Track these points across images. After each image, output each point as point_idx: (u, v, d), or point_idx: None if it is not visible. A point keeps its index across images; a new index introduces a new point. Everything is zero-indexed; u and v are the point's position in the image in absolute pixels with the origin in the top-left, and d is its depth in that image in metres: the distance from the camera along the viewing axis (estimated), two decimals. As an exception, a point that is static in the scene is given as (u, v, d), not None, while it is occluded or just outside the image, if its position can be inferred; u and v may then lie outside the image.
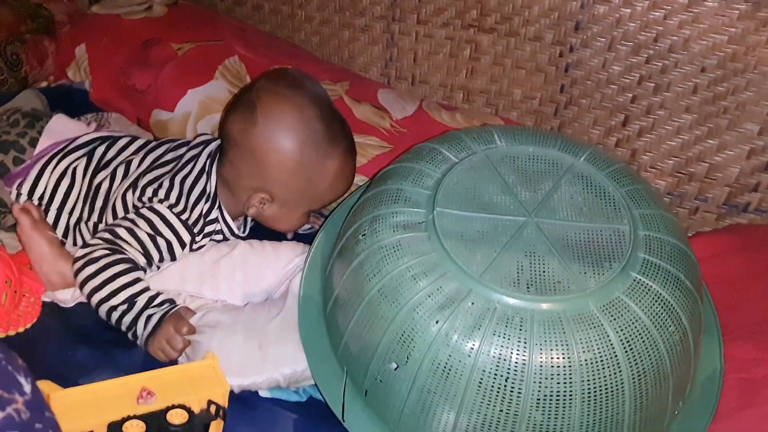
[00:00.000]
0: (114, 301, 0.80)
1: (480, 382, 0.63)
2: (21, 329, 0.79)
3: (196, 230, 0.89)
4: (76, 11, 1.34)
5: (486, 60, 1.23)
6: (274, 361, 0.77)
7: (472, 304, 0.64)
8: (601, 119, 1.18)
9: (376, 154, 1.10)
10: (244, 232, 0.96)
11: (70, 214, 0.93)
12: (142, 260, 0.85)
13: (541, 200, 0.73)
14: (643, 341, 0.63)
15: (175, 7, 1.33)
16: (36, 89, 1.17)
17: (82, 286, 0.82)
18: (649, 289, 0.65)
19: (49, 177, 0.93)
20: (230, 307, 0.84)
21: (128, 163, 0.93)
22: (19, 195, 0.93)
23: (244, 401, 0.78)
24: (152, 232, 0.85)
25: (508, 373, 0.62)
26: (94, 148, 0.95)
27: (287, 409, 0.79)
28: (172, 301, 0.82)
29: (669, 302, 0.65)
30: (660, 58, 1.10)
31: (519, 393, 0.62)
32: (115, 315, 0.80)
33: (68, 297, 0.85)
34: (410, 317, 0.66)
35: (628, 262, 0.67)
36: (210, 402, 0.69)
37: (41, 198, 0.93)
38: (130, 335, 0.81)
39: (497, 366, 0.62)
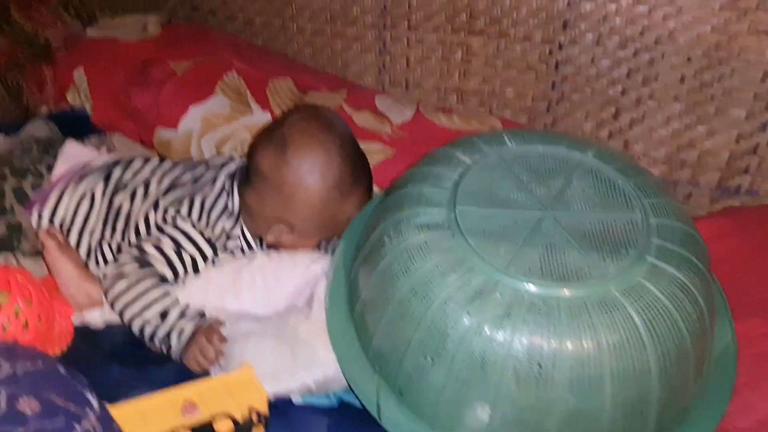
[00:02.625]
0: (147, 315, 0.82)
1: (514, 370, 0.66)
2: (58, 351, 0.81)
3: (218, 245, 0.91)
4: (71, 36, 1.35)
5: (478, 61, 1.27)
6: (306, 365, 0.80)
7: (500, 295, 0.67)
8: (593, 113, 1.22)
9: (379, 159, 1.13)
10: (262, 248, 0.98)
11: (91, 235, 0.95)
12: (169, 275, 0.87)
13: (555, 195, 0.77)
14: (665, 321, 0.66)
15: (169, 26, 1.35)
16: (44, 117, 1.18)
17: (114, 301, 0.84)
18: (665, 272, 0.69)
19: (69, 201, 0.95)
20: (258, 316, 0.86)
21: (147, 185, 0.95)
22: (40, 219, 0.94)
23: (278, 409, 0.79)
24: (177, 248, 0.88)
25: (540, 359, 0.65)
26: (111, 171, 0.97)
27: (320, 414, 0.81)
28: (203, 314, 0.84)
29: (685, 283, 0.69)
30: (647, 50, 1.14)
31: (552, 377, 0.65)
32: (148, 329, 0.82)
33: (98, 318, 0.87)
34: (442, 311, 0.68)
35: (644, 248, 0.70)
36: (251, 409, 0.71)
37: (62, 221, 0.94)
38: (163, 349, 0.83)
39: (529, 353, 0.65)
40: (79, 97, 1.28)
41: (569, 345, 0.65)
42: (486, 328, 0.66)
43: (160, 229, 0.90)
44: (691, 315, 0.68)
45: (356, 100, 1.21)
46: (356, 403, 0.83)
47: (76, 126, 1.22)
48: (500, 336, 0.66)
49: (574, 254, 0.70)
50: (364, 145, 1.13)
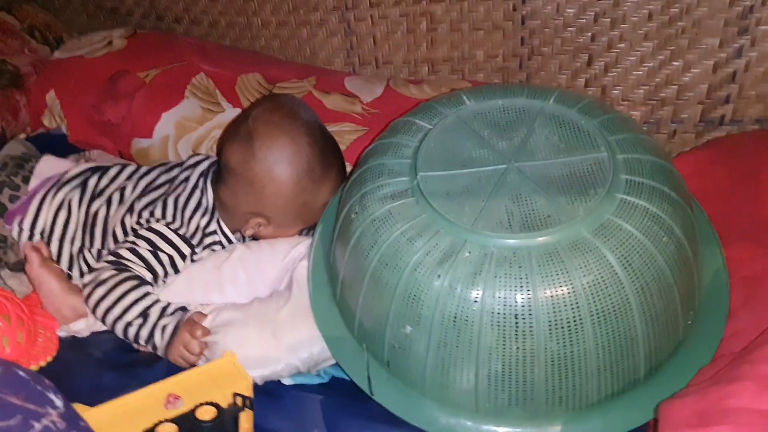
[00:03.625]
0: (128, 317, 0.83)
1: (491, 325, 0.65)
2: (42, 363, 0.82)
3: (194, 242, 0.91)
4: (39, 61, 1.36)
5: (443, 28, 1.25)
6: (290, 348, 0.80)
7: (469, 253, 0.66)
8: (566, 63, 1.20)
9: (353, 138, 1.12)
10: (243, 241, 0.98)
11: (72, 243, 0.96)
12: (148, 276, 0.87)
13: (518, 146, 0.75)
14: (640, 256, 0.65)
15: (134, 37, 1.35)
16: (21, 139, 1.19)
17: (95, 308, 0.85)
18: (636, 206, 0.67)
19: (48, 210, 0.96)
20: (239, 305, 0.86)
21: (122, 190, 0.96)
22: (21, 231, 0.96)
23: (269, 392, 0.80)
24: (153, 249, 0.88)
25: (516, 310, 0.64)
26: (87, 179, 0.98)
27: (312, 392, 0.82)
28: (184, 309, 0.85)
29: (658, 215, 0.68)
30: (610, -8, 1.12)
31: (531, 328, 0.64)
32: (131, 330, 0.83)
33: (83, 327, 0.88)
34: (413, 278, 0.68)
35: (612, 186, 0.69)
36: (236, 395, 0.71)
37: (42, 231, 0.96)
38: (149, 348, 0.84)
39: (504, 306, 0.64)
40: (54, 119, 1.29)
41: (544, 292, 0.64)
42: (458, 289, 0.66)
43: (135, 232, 0.90)
44: (667, 246, 0.67)
45: (325, 85, 1.21)
46: (348, 378, 0.83)
47: (55, 147, 1.22)
48: (473, 294, 0.65)
49: (542, 202, 0.69)
50: (335, 127, 1.13)
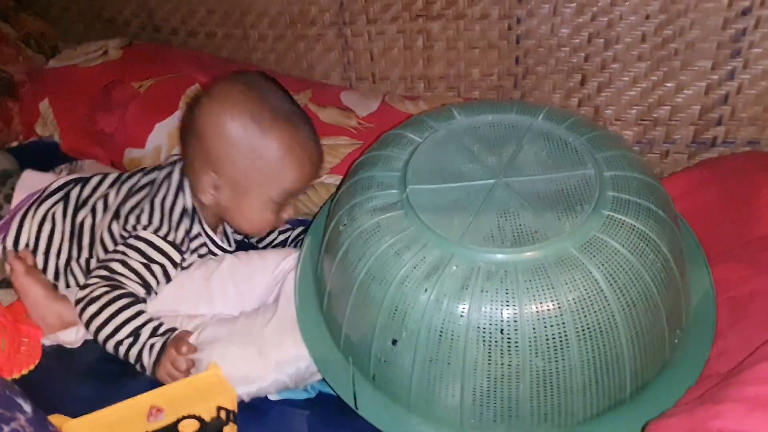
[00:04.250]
0: (119, 336, 0.82)
1: (477, 340, 0.64)
2: (25, 371, 0.82)
3: (183, 248, 0.90)
4: (33, 69, 1.36)
5: (440, 46, 1.26)
6: (277, 364, 0.79)
7: (456, 267, 0.66)
8: (560, 83, 1.21)
9: (347, 152, 1.12)
10: (230, 246, 0.98)
11: (58, 256, 0.94)
12: (141, 291, 0.86)
13: (506, 162, 0.75)
14: (626, 273, 0.65)
15: (130, 48, 1.36)
16: (4, 151, 1.18)
17: (87, 324, 0.83)
18: (623, 224, 0.67)
19: (30, 225, 0.95)
20: (225, 320, 0.85)
21: (106, 197, 0.95)
22: (4, 249, 0.94)
23: (255, 408, 0.79)
24: (145, 261, 0.87)
25: (501, 325, 0.64)
26: (69, 191, 0.97)
27: (298, 407, 0.81)
28: (174, 329, 0.84)
29: (644, 232, 0.67)
30: (604, 13, 1.12)
31: (516, 343, 0.64)
32: (122, 349, 0.82)
33: (73, 337, 0.87)
34: (400, 291, 0.68)
35: (598, 202, 0.69)
36: (219, 408, 0.70)
37: (27, 246, 0.94)
38: (138, 367, 0.82)
39: (490, 321, 0.64)
40: (47, 128, 1.29)
41: (530, 308, 0.64)
42: (445, 303, 0.66)
43: (124, 240, 0.89)
44: (654, 264, 0.67)
45: (321, 98, 1.21)
46: (334, 393, 0.82)
47: (47, 156, 1.23)
48: (459, 308, 0.65)
49: (529, 217, 0.69)
50: (330, 140, 1.13)
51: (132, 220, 0.89)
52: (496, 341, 0.64)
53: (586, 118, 0.80)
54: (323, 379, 0.82)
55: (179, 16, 1.44)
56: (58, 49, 1.45)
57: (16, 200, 0.97)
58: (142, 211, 0.90)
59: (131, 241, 0.88)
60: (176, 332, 0.83)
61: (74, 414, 0.71)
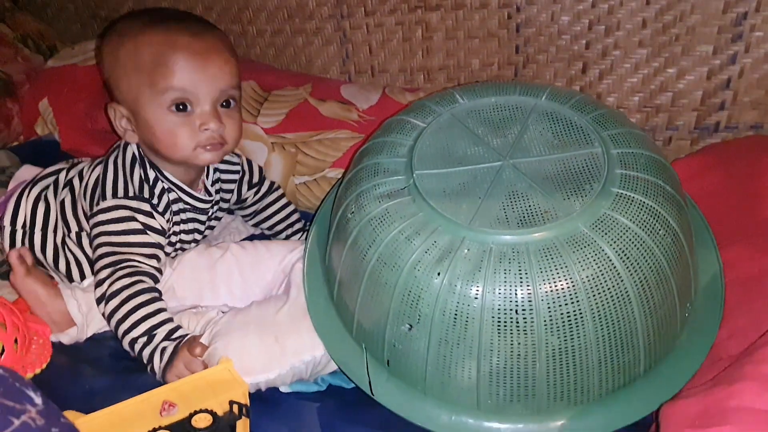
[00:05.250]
0: (135, 333, 0.80)
1: (492, 321, 0.64)
2: (38, 371, 0.80)
3: (146, 195, 0.87)
4: (32, 69, 1.35)
5: (439, 37, 1.25)
6: (294, 351, 0.78)
7: (468, 250, 0.66)
8: (561, 71, 1.20)
9: (349, 146, 1.12)
10: (210, 197, 0.96)
11: (55, 233, 0.95)
12: (147, 252, 0.84)
13: (512, 143, 0.75)
14: (638, 249, 0.65)
15: (128, 46, 1.35)
16: (6, 150, 1.18)
17: (108, 319, 0.82)
18: (632, 200, 0.67)
19: (26, 205, 0.96)
20: (236, 311, 0.84)
21: (81, 173, 0.95)
22: (2, 228, 0.95)
23: (266, 400, 0.78)
24: (124, 226, 0.85)
25: (515, 305, 0.63)
26: (58, 174, 0.99)
27: (309, 399, 0.80)
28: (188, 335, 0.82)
29: (654, 208, 0.67)
30: (604, 0, 1.13)
31: (531, 322, 0.63)
32: (137, 347, 0.81)
33: (75, 336, 0.86)
34: (412, 276, 0.67)
35: (607, 180, 0.68)
36: (232, 402, 0.70)
37: (24, 225, 0.95)
38: (149, 369, 0.81)
39: (504, 302, 0.64)
40: (47, 127, 1.28)
41: (543, 287, 0.63)
42: (458, 286, 0.65)
43: (96, 219, 0.86)
44: (664, 239, 0.67)
45: (321, 92, 1.21)
46: (345, 385, 0.81)
47: (47, 155, 1.22)
48: (473, 290, 0.65)
49: (538, 198, 0.68)
50: (331, 134, 1.13)
51: (91, 193, 0.88)
52: (511, 322, 0.64)
53: (589, 97, 0.80)
54: (334, 372, 0.82)
55: (176, 14, 1.43)
56: (56, 49, 1.44)
57: (11, 186, 0.99)
58: (98, 180, 0.89)
59: (100, 216, 0.85)
60: (188, 335, 0.81)
61: (86, 410, 0.70)
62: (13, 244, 0.96)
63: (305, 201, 1.16)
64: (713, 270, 0.78)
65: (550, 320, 0.63)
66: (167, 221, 0.89)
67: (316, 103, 1.18)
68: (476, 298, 0.64)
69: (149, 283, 0.83)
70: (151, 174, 0.89)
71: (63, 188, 0.96)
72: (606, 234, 0.64)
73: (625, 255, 0.64)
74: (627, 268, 0.64)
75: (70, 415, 0.67)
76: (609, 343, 0.65)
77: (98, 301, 0.83)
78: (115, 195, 0.86)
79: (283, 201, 1.09)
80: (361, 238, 0.73)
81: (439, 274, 0.66)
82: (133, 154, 0.90)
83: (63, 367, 0.83)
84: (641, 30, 1.13)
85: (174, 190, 0.91)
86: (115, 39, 0.86)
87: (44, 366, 0.81)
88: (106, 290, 0.82)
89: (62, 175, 0.98)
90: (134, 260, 0.84)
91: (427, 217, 0.69)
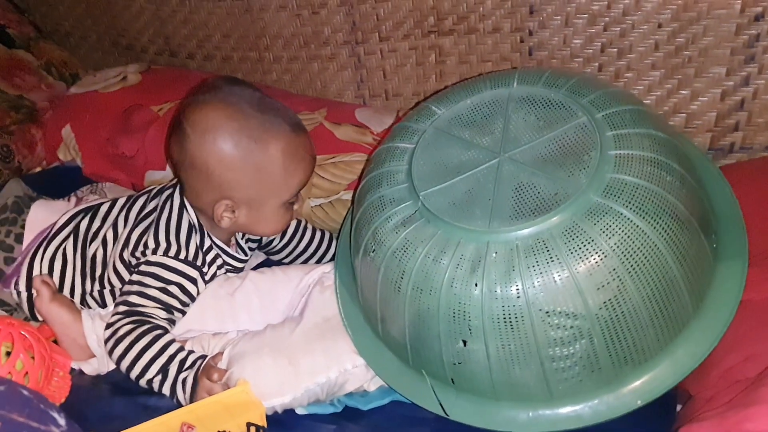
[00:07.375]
0: (149, 375, 0.82)
1: (540, 313, 0.65)
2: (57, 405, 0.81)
3: (198, 263, 0.89)
4: (56, 96, 1.39)
5: (452, 61, 1.27)
6: (308, 372, 0.79)
7: (496, 253, 0.67)
8: (574, 94, 1.21)
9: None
10: (247, 256, 0.98)
11: (72, 292, 0.94)
12: (163, 314, 0.86)
13: (501, 137, 0.76)
14: (652, 201, 0.66)
15: (148, 72, 1.38)
16: (18, 178, 1.16)
17: (117, 363, 0.84)
18: (632, 157, 0.69)
19: (41, 265, 0.94)
20: (252, 334, 0.86)
21: (115, 226, 0.94)
22: (19, 294, 0.94)
23: (282, 422, 0.79)
24: (161, 284, 0.87)
25: (557, 291, 0.65)
26: (78, 225, 0.97)
27: (324, 422, 0.80)
28: (203, 357, 0.83)
29: (654, 158, 0.69)
30: (616, 23, 1.13)
31: (577, 303, 0.65)
32: (155, 385, 0.82)
33: (96, 366, 0.88)
34: (451, 294, 0.68)
35: (602, 146, 0.70)
36: (249, 424, 0.71)
37: None
38: (174, 401, 0.82)
39: (546, 291, 0.65)
40: (69, 153, 1.31)
41: (577, 266, 0.64)
42: (498, 290, 0.66)
43: (137, 268, 0.88)
44: (673, 183, 0.69)
45: (336, 116, 1.22)
46: (361, 407, 0.82)
47: (69, 181, 1.24)
48: (513, 290, 0.66)
49: (544, 182, 0.70)
50: (347, 157, 1.15)
51: (141, 246, 0.89)
52: (558, 308, 0.65)
53: (557, 71, 0.80)
54: (350, 393, 0.82)
55: (195, 41, 1.47)
56: (78, 76, 1.48)
57: (26, 240, 0.97)
58: (149, 235, 0.89)
59: (144, 267, 0.88)
60: (204, 361, 0.83)
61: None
62: (32, 308, 0.94)
63: (321, 223, 1.17)
64: (724, 193, 0.80)
65: (595, 295, 0.64)
66: (204, 278, 0.91)
67: (332, 127, 1.20)
68: (518, 296, 0.65)
69: (153, 323, 0.84)
70: (207, 242, 0.92)
71: (92, 240, 0.95)
72: (619, 197, 0.66)
73: (642, 211, 0.65)
74: (648, 222, 0.65)
75: (90, 438, 0.68)
76: (654, 298, 0.66)
77: (105, 342, 0.85)
78: (166, 253, 0.88)
79: (310, 242, 1.07)
80: (390, 272, 0.73)
81: (476, 284, 0.67)
82: (191, 223, 0.91)
83: (83, 389, 0.84)
84: (654, 52, 1.13)
85: (221, 256, 0.94)
86: (221, 141, 0.83)
87: (63, 400, 0.82)
88: (112, 334, 0.84)
89: (83, 225, 0.96)
90: (150, 313, 0.85)
91: (446, 233, 0.70)
